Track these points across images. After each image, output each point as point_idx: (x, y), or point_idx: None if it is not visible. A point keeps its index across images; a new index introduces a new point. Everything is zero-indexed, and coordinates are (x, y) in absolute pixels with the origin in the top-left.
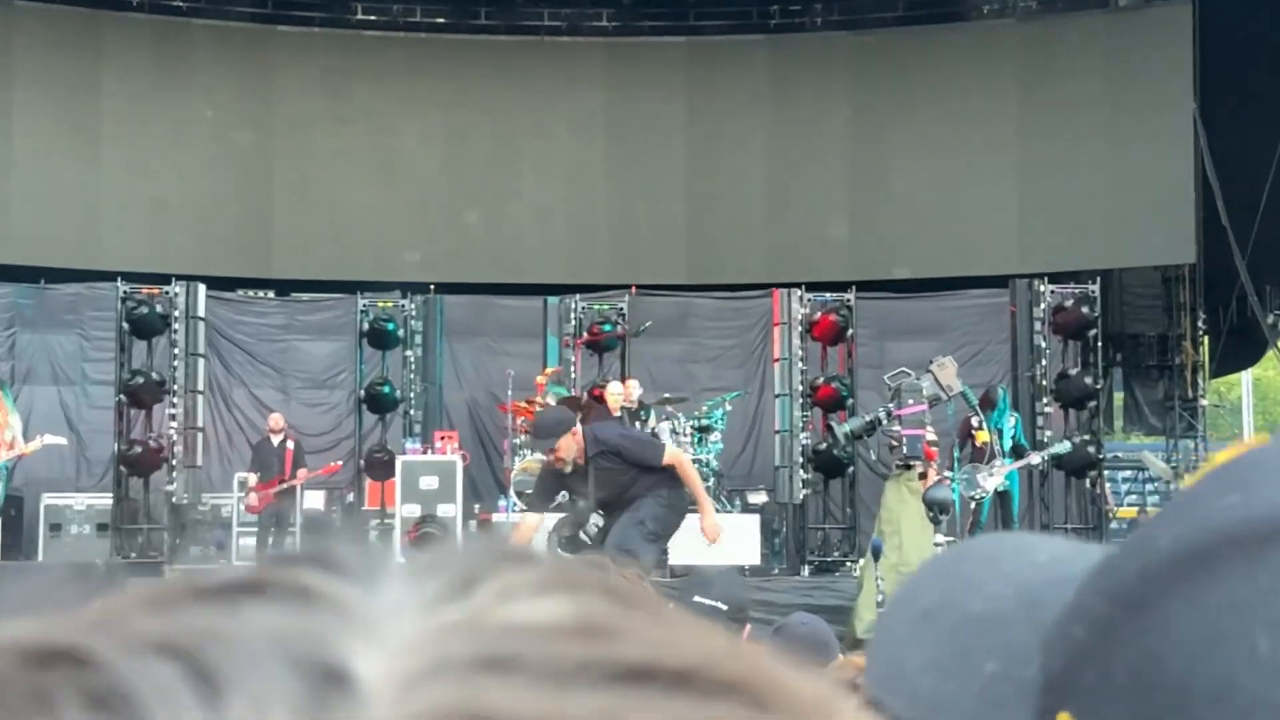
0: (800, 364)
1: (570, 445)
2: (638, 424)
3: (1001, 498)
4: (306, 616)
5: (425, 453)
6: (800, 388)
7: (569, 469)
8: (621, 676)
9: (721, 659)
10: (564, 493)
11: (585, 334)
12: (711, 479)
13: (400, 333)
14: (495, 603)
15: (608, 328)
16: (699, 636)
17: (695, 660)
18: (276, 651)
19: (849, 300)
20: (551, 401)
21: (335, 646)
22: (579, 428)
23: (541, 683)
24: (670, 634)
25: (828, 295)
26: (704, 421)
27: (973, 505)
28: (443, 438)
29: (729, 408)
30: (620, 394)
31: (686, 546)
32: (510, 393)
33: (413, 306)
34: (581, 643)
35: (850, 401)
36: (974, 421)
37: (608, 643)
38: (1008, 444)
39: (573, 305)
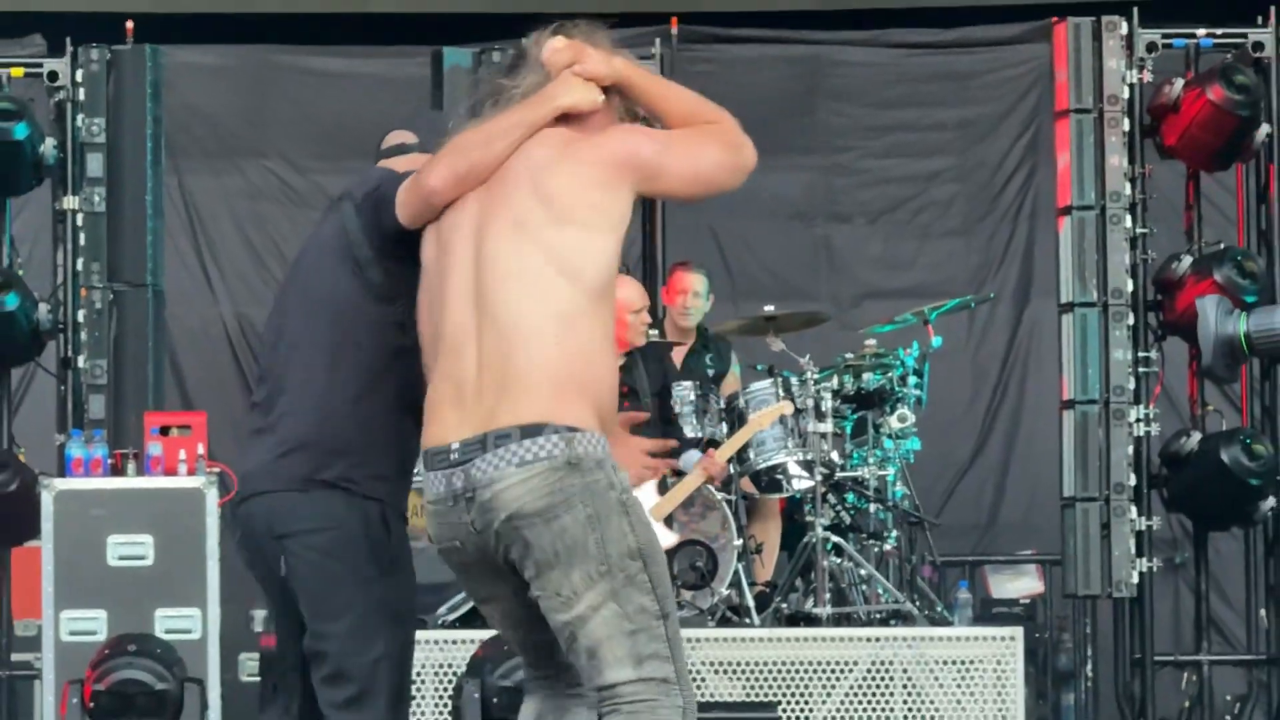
0: (1130, 222)
1: None
2: (691, 391)
3: None
4: None
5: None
6: (1137, 284)
7: None
8: None
9: None
10: None
11: None
12: (891, 537)
13: (41, 148)
14: None
15: None
16: None
17: None
18: None
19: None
20: None
21: None
22: None
23: None
24: None
25: (1199, 31)
26: (872, 379)
27: None
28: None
29: (935, 340)
30: (641, 306)
31: None
32: None
33: (78, 75)
34: None
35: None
36: None
37: None
38: None
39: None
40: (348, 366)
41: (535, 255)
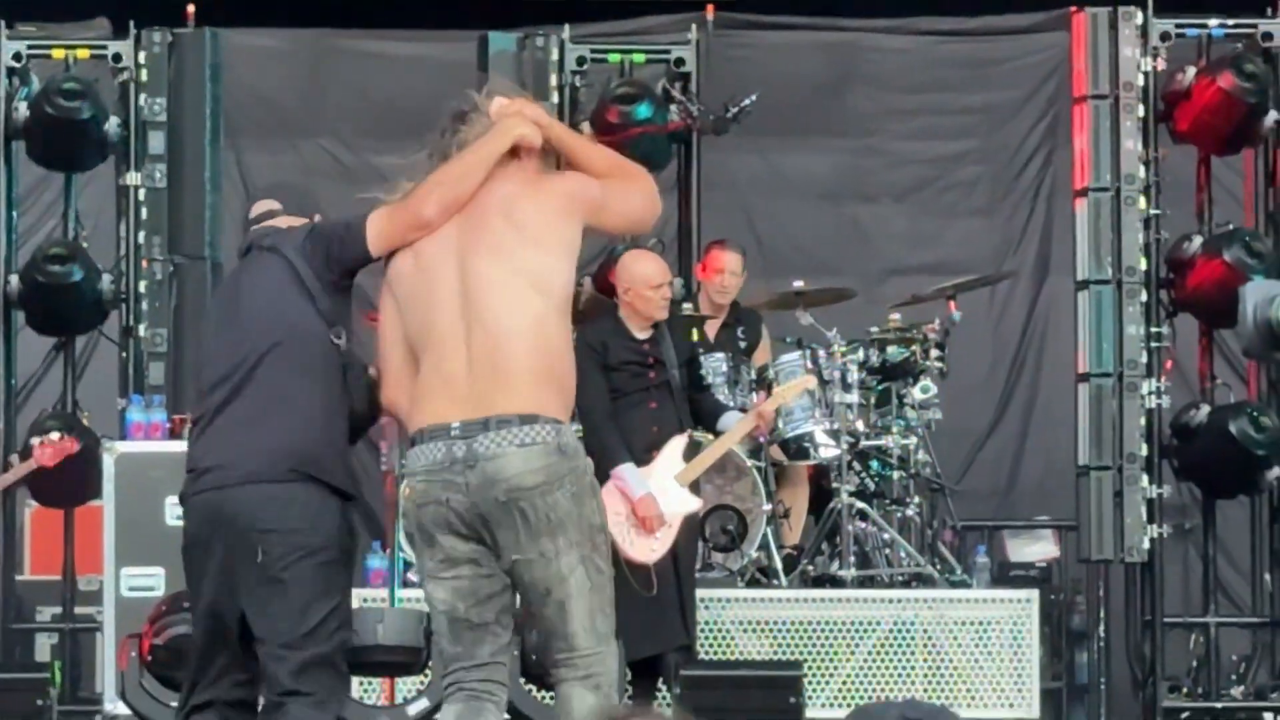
0: (1144, 203)
1: None
2: (723, 363)
3: None
4: None
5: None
6: (1150, 263)
7: None
8: None
9: None
10: None
11: (587, 124)
12: (914, 503)
13: (106, 126)
14: None
15: (642, 111)
16: None
17: None
18: None
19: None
20: None
21: None
22: None
23: None
24: None
25: (1211, 21)
26: (896, 352)
27: None
28: None
29: (956, 314)
30: (661, 281)
31: None
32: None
33: (141, 56)
34: None
35: None
36: None
37: None
38: None
39: (552, 46)
40: (316, 379)
41: (514, 271)
